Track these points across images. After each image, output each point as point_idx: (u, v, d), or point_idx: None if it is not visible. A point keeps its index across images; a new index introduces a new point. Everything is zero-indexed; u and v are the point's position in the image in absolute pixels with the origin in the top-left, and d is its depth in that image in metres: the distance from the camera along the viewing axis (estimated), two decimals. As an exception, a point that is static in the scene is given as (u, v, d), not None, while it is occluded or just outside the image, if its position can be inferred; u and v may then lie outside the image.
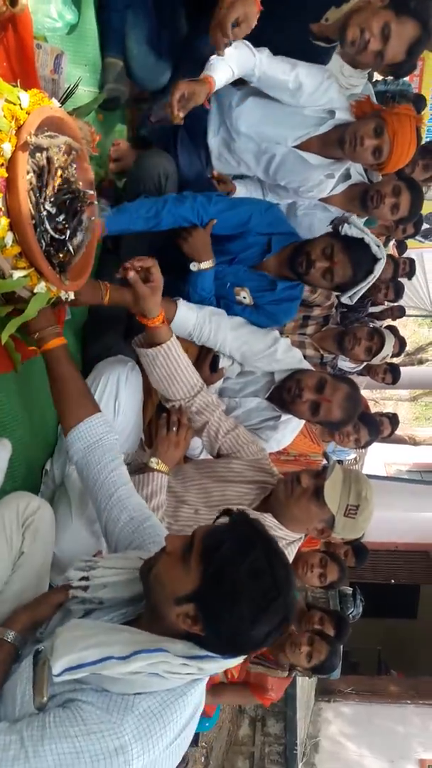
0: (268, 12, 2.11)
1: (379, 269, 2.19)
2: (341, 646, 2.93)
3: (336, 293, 2.56)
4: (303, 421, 2.36)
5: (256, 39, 2.04)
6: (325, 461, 1.92)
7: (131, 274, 1.67)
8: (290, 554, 1.88)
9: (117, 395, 1.86)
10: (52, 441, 1.88)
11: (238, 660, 1.16)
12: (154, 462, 1.82)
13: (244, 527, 1.12)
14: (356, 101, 2.38)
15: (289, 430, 2.34)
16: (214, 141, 2.32)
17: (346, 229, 2.12)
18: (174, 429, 1.88)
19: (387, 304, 4.79)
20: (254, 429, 2.30)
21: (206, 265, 2.11)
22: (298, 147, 2.27)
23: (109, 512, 1.39)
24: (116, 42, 2.10)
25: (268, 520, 1.81)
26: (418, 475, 8.57)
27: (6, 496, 1.50)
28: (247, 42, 2.04)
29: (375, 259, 2.16)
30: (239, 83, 2.15)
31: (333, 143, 2.26)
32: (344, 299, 2.34)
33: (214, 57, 1.96)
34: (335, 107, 2.21)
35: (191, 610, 1.07)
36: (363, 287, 2.23)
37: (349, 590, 4.45)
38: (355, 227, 2.12)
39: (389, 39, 2.02)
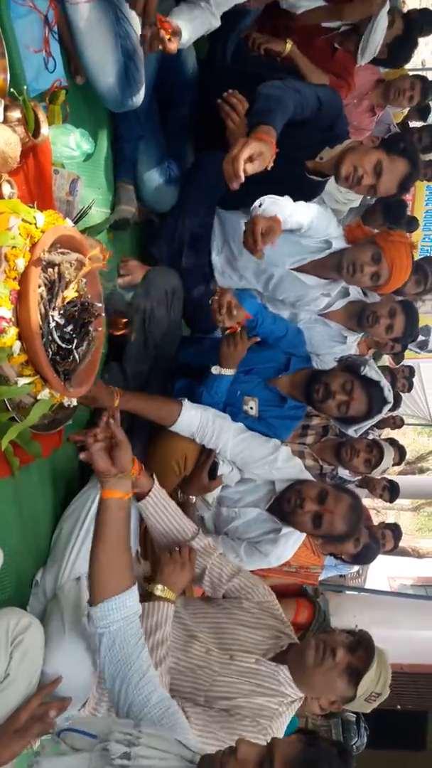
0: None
1: (386, 410, 2.41)
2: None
3: (338, 425, 2.65)
4: (304, 535, 2.31)
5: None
6: (363, 645, 1.80)
7: (84, 455, 1.48)
8: (290, 713, 1.78)
9: None
10: (44, 552, 1.82)
11: None
12: (159, 589, 1.73)
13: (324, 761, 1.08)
14: (348, 226, 2.56)
15: (290, 545, 2.28)
16: (218, 259, 2.45)
17: (367, 371, 2.31)
18: (177, 549, 1.83)
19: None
20: (254, 542, 2.25)
21: (227, 372, 2.20)
22: (295, 269, 2.40)
23: (140, 690, 1.34)
24: (128, 168, 2.26)
25: (282, 675, 1.74)
26: (423, 590, 8.24)
27: (-6, 611, 1.43)
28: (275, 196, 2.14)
29: (384, 402, 2.35)
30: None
31: (329, 267, 2.40)
32: (350, 432, 2.51)
33: (263, 201, 2.06)
34: (332, 238, 2.37)
35: None
36: (369, 423, 2.42)
37: (352, 717, 4.15)
38: (374, 371, 2.35)
39: (381, 175, 2.18)
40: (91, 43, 1.81)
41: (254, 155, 1.76)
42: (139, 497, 1.85)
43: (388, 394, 2.36)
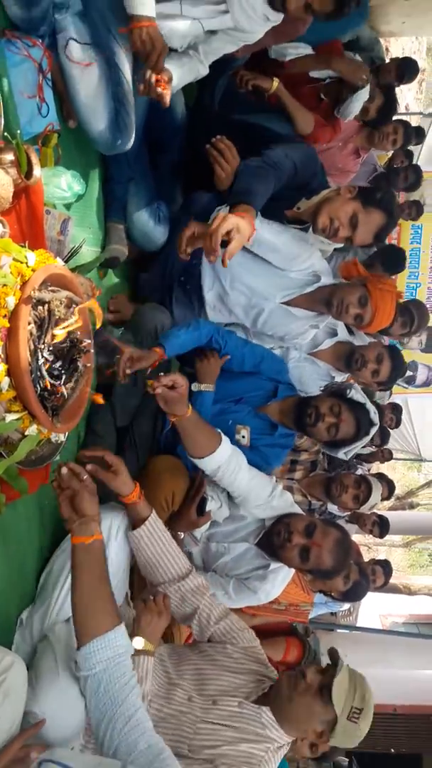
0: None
1: (373, 432, 2.47)
2: None
3: (327, 450, 2.69)
4: (292, 571, 2.31)
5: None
6: (329, 659, 1.82)
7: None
8: (277, 760, 1.74)
9: (107, 544, 1.82)
10: (29, 590, 1.79)
11: None
12: (139, 642, 1.69)
13: None
14: (344, 263, 2.62)
15: (279, 581, 2.27)
16: (209, 294, 2.49)
17: (352, 394, 2.38)
18: (151, 598, 1.80)
19: (374, 448, 4.85)
20: (242, 578, 2.24)
21: (207, 387, 2.24)
22: (285, 303, 2.45)
23: (126, 735, 1.32)
24: (118, 209, 2.32)
25: (265, 717, 1.70)
26: (415, 628, 8.12)
27: (-23, 651, 1.41)
28: None
29: (371, 424, 2.40)
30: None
31: (318, 301, 2.46)
32: (340, 455, 2.57)
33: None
34: (318, 271, 2.43)
35: None
36: (358, 446, 2.46)
37: (344, 761, 4.07)
38: (359, 393, 2.41)
39: (357, 227, 2.25)
40: (83, 89, 1.87)
41: (232, 231, 1.81)
42: (135, 525, 1.82)
43: (374, 415, 2.42)
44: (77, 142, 2.04)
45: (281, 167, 2.20)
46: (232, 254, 1.81)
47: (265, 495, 2.24)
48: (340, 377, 2.73)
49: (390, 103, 3.24)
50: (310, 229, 2.55)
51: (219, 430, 2.12)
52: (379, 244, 2.45)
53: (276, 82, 2.59)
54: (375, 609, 7.97)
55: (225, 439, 2.11)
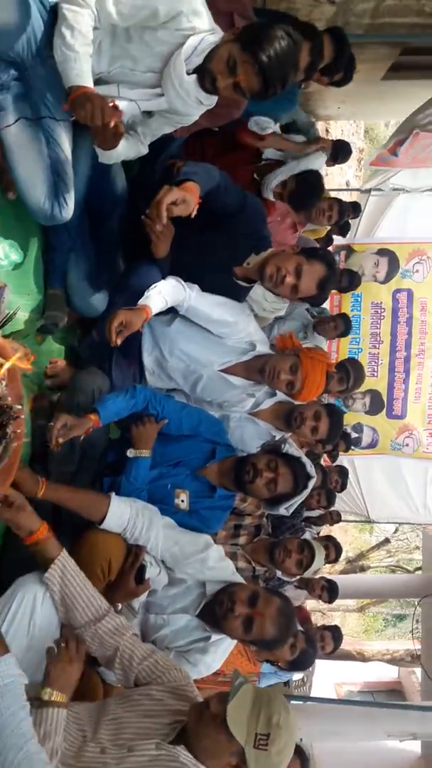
0: (200, 256, 2.47)
1: (311, 485, 2.47)
2: None
3: (268, 509, 2.70)
4: (234, 642, 2.25)
5: (190, 277, 2.38)
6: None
7: None
8: None
9: (32, 613, 1.76)
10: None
11: None
12: (47, 694, 1.59)
13: None
14: (280, 336, 2.73)
15: (220, 653, 2.21)
16: (148, 360, 2.53)
17: (287, 448, 2.41)
18: (63, 645, 1.70)
19: (322, 510, 4.86)
20: (182, 652, 2.17)
21: (143, 453, 2.23)
22: (223, 370, 2.51)
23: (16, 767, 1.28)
24: (58, 277, 2.35)
25: (183, 756, 1.58)
26: (369, 696, 7.97)
27: None
28: (179, 279, 2.34)
29: (308, 477, 2.42)
30: (168, 311, 2.42)
31: (254, 370, 2.55)
32: (281, 511, 2.53)
33: (150, 289, 2.23)
34: (254, 341, 2.52)
35: None
36: (298, 500, 2.45)
37: None
38: (293, 448, 2.44)
39: (301, 276, 2.38)
40: (21, 162, 1.93)
41: (177, 201, 1.96)
42: (45, 565, 1.78)
43: (310, 468, 2.44)
44: (17, 213, 2.09)
45: (228, 181, 2.32)
46: (175, 214, 1.96)
47: (191, 550, 2.19)
48: (279, 436, 2.77)
49: (304, 190, 3.44)
50: (253, 290, 2.66)
51: (110, 493, 2.10)
52: (324, 296, 2.59)
53: None
54: (329, 677, 7.79)
55: (116, 500, 2.07)
